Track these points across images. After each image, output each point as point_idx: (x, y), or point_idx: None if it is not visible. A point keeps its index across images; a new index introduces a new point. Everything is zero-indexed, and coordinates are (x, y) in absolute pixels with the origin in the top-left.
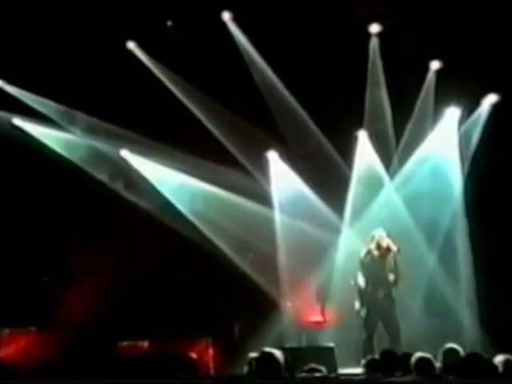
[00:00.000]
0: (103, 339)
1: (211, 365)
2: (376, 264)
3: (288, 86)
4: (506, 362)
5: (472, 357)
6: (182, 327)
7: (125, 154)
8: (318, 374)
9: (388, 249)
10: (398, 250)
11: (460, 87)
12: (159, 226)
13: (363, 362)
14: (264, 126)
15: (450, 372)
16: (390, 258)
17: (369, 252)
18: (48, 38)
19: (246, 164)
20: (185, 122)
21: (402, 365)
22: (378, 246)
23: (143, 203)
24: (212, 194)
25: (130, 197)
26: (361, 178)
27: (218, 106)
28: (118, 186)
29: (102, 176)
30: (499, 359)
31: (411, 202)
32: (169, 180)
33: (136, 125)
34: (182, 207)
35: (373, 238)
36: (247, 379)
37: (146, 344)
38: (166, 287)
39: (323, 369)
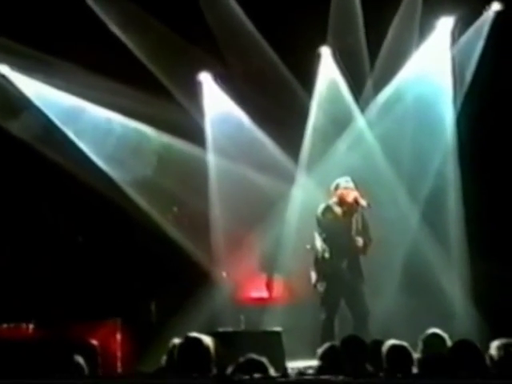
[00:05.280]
0: None
1: (118, 354)
2: (339, 224)
3: None
4: (504, 348)
5: (461, 346)
6: (79, 305)
7: (5, 70)
8: (257, 375)
9: (355, 204)
10: (369, 206)
11: None
12: (42, 163)
13: (320, 351)
14: (197, 40)
15: (431, 365)
16: (358, 217)
17: (329, 208)
18: None
19: (171, 88)
20: (93, 34)
21: (370, 355)
22: (342, 201)
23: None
24: (124, 127)
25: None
26: (323, 109)
27: (137, 11)
28: None
29: None
30: (496, 344)
31: (388, 143)
32: (65, 106)
33: (26, 35)
34: (82, 144)
35: (335, 189)
36: (247, 379)
37: (31, 327)
38: (57, 252)
39: (265, 361)
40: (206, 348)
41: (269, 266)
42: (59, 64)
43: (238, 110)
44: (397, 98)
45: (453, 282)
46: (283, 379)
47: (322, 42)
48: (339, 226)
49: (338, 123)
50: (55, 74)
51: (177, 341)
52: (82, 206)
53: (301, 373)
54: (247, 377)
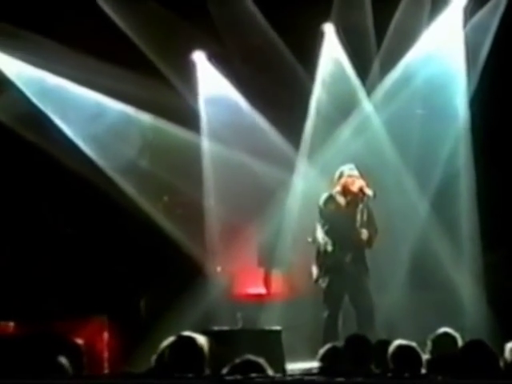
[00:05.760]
0: None
1: (105, 354)
2: (342, 215)
3: None
4: None
5: (473, 346)
6: (63, 301)
7: None
8: (255, 376)
9: (360, 193)
10: (374, 196)
11: None
12: (23, 147)
13: (321, 352)
14: (190, 16)
15: (442, 367)
16: (363, 207)
17: (332, 198)
18: None
19: (163, 68)
20: (79, 10)
21: (376, 356)
22: (346, 190)
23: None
24: (112, 109)
25: None
26: (326, 91)
27: None
28: None
29: None
30: (510, 347)
31: (396, 129)
32: (48, 87)
33: (7, 12)
34: (66, 127)
35: (339, 177)
36: (247, 379)
37: (10, 324)
38: (41, 244)
39: (263, 362)
40: (199, 348)
41: (267, 260)
42: (42, 42)
43: (234, 92)
44: (405, 80)
45: (464, 277)
46: (283, 378)
47: (326, 18)
48: (343, 216)
49: (342, 107)
50: (38, 52)
51: (168, 340)
52: (65, 194)
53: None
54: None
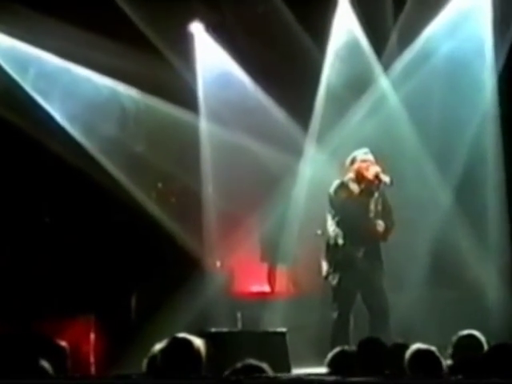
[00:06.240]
0: None
1: (91, 358)
2: (355, 204)
3: None
4: None
5: (499, 351)
6: (46, 299)
7: None
8: (257, 376)
9: (375, 180)
10: (391, 183)
11: None
12: None
13: (329, 356)
14: None
15: (465, 373)
16: (378, 196)
17: (344, 185)
18: None
19: (156, 41)
20: None
21: (390, 361)
22: (360, 176)
23: None
24: (100, 86)
25: None
26: (338, 67)
27: None
28: None
29: None
30: None
31: (415, 109)
32: (26, 59)
33: None
34: (48, 105)
35: (351, 163)
36: (247, 379)
37: None
38: (18, 235)
39: (266, 367)
40: (195, 351)
41: (271, 254)
42: (21, 10)
43: (235, 67)
44: (426, 54)
45: (490, 274)
46: (285, 378)
47: None
48: (355, 206)
49: (356, 84)
50: (15, 21)
51: (161, 343)
52: (47, 179)
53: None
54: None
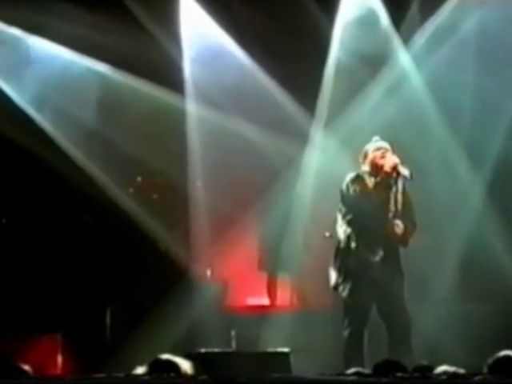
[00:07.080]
0: None
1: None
2: (370, 201)
3: None
4: None
5: None
6: (5, 316)
7: None
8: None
9: (392, 173)
10: (411, 177)
11: None
12: None
13: None
14: None
15: None
16: (397, 192)
17: (359, 178)
18: None
19: (136, 10)
20: None
21: None
22: (375, 167)
23: None
24: (69, 62)
25: None
26: (349, 40)
27: None
28: None
29: None
30: None
31: (441, 89)
32: None
33: None
34: (11, 89)
35: (365, 154)
36: (248, 379)
37: None
38: None
39: None
40: (182, 375)
41: (271, 261)
42: None
43: (229, 41)
44: (453, 24)
45: None
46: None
47: None
48: (370, 203)
49: (371, 60)
50: None
51: (142, 365)
52: (4, 173)
53: None
54: None
